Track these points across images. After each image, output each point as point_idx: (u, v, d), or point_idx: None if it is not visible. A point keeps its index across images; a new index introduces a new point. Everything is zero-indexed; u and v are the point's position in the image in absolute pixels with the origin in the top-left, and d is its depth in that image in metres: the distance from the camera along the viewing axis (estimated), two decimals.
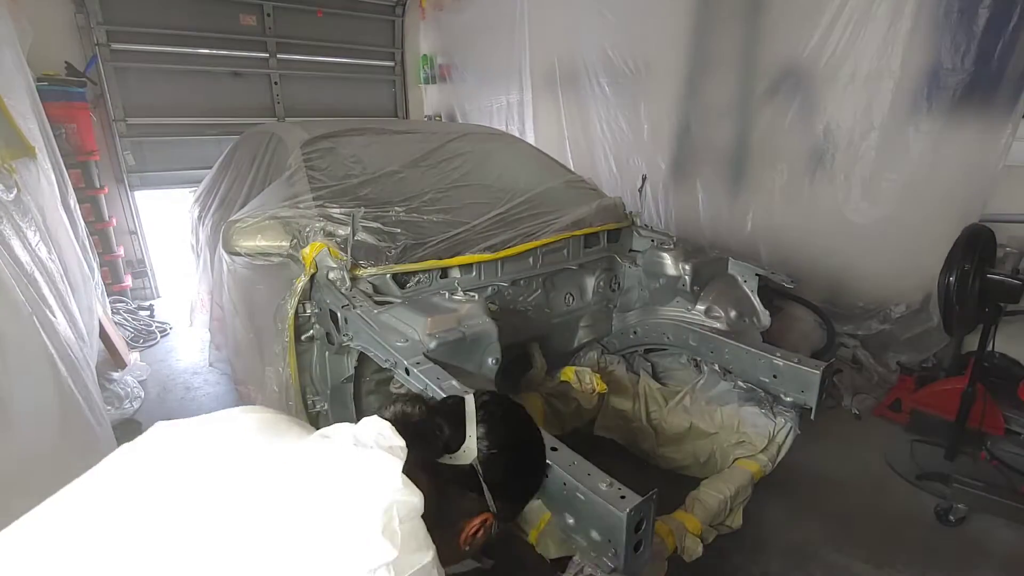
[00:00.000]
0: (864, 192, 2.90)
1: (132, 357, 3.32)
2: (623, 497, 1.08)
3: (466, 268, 1.91)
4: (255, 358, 2.04)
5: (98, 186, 4.08)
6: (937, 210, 2.66)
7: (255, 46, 4.96)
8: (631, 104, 3.87)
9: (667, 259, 2.20)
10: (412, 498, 0.66)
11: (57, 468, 1.43)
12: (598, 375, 2.08)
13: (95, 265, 3.31)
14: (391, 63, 5.86)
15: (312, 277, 1.72)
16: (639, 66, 3.78)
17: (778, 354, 1.88)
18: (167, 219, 4.61)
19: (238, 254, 1.86)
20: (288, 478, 0.68)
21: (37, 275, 1.89)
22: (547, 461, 1.06)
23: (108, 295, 3.74)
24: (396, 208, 1.97)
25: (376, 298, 1.69)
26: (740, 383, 2.03)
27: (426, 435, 0.77)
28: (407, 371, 1.38)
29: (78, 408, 1.61)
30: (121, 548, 0.60)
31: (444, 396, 0.85)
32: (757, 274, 2.23)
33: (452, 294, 1.72)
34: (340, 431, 0.75)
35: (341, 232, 1.76)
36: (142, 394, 3.01)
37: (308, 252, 1.73)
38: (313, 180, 2.05)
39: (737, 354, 1.99)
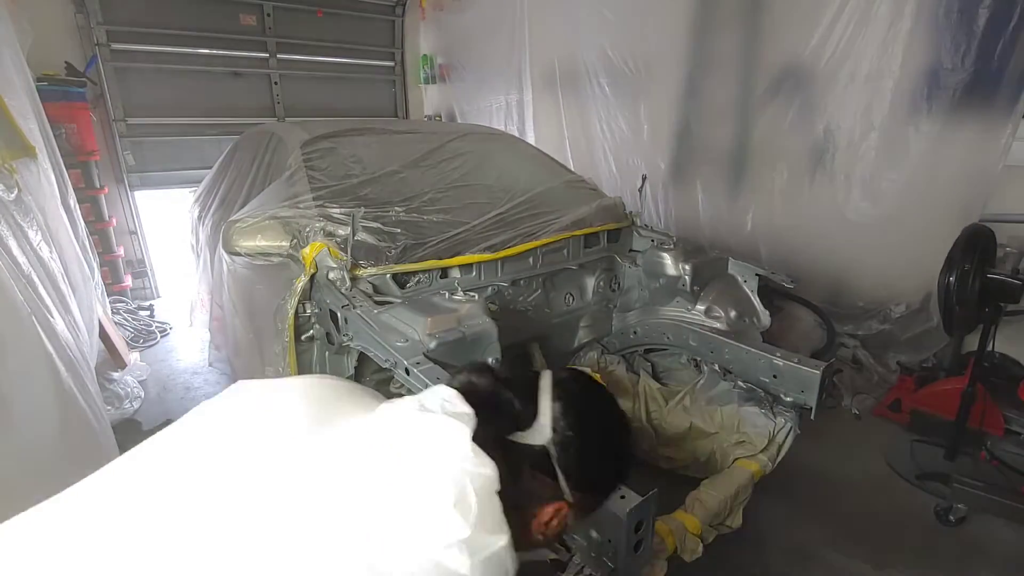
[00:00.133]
0: (864, 192, 2.90)
1: (132, 357, 3.32)
2: (623, 497, 1.08)
3: (466, 268, 1.91)
4: (255, 358, 2.04)
5: (98, 186, 4.07)
6: (937, 210, 2.66)
7: (255, 46, 4.96)
8: (631, 104, 3.87)
9: (667, 259, 2.20)
10: (485, 469, 0.59)
11: (57, 468, 1.44)
12: (598, 375, 2.08)
13: (95, 265, 3.31)
14: (391, 63, 5.86)
15: (312, 277, 1.73)
16: (639, 66, 3.77)
17: (778, 354, 1.88)
18: (167, 219, 4.61)
19: (238, 254, 1.87)
20: (355, 447, 0.64)
21: (37, 275, 1.89)
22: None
23: (108, 295, 3.74)
24: (396, 208, 1.97)
25: (376, 298, 1.69)
26: (740, 383, 2.03)
27: (495, 407, 0.69)
28: (407, 371, 1.38)
29: (78, 408, 1.61)
30: (183, 513, 0.58)
31: (512, 373, 0.76)
32: (757, 274, 2.23)
33: (452, 294, 1.72)
34: (406, 399, 0.69)
35: (341, 232, 1.76)
36: (142, 394, 3.01)
37: (308, 252, 1.73)
38: (313, 180, 2.06)
39: (737, 354, 1.99)
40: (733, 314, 2.13)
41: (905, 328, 2.90)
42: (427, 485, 0.58)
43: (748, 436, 1.86)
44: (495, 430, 0.66)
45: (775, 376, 1.88)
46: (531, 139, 4.56)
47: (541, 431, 0.68)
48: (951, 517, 2.01)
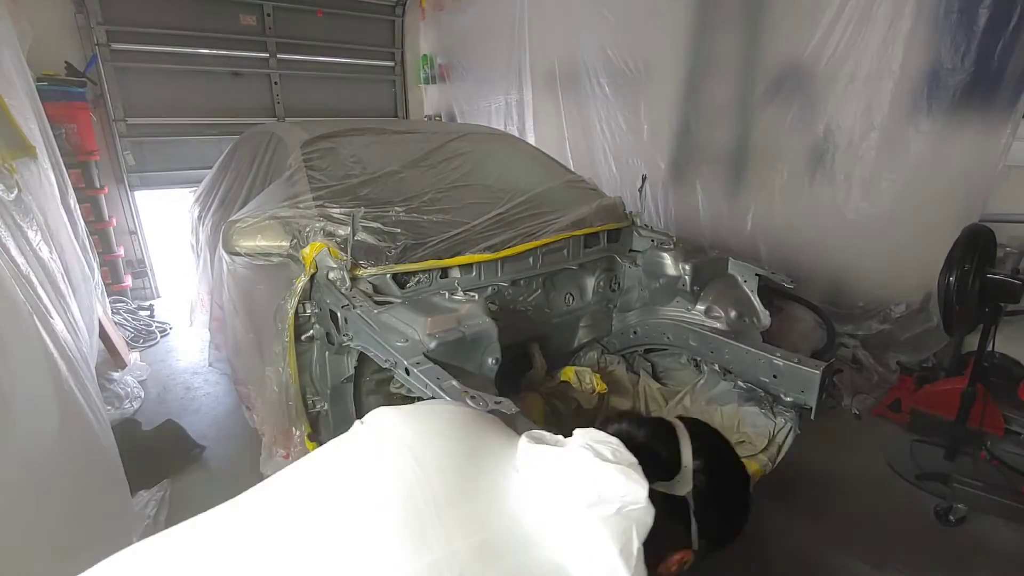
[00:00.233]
0: (864, 192, 2.90)
1: (132, 357, 3.32)
2: None
3: (466, 268, 1.91)
4: (255, 358, 2.04)
5: (98, 186, 4.08)
6: (937, 210, 2.66)
7: (255, 46, 4.96)
8: (631, 104, 3.87)
9: (667, 259, 2.20)
10: (649, 519, 0.62)
11: (57, 468, 1.44)
12: (598, 375, 2.08)
13: (95, 265, 3.31)
14: (391, 63, 5.86)
15: (312, 277, 1.72)
16: (639, 66, 3.78)
17: (778, 354, 1.88)
18: (167, 219, 4.61)
19: (238, 254, 1.86)
20: (521, 484, 0.66)
21: (37, 275, 1.89)
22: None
23: (108, 295, 3.75)
24: (396, 208, 1.97)
25: (376, 298, 1.69)
26: (740, 383, 2.03)
27: (645, 459, 0.70)
28: (407, 371, 1.38)
29: (78, 408, 1.61)
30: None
31: (650, 419, 0.79)
32: (757, 274, 2.23)
33: (452, 294, 1.72)
34: (557, 439, 0.72)
35: (341, 232, 1.76)
36: (142, 394, 3.02)
37: (308, 252, 1.73)
38: (313, 180, 2.05)
39: (737, 354, 1.99)
40: (733, 314, 2.13)
41: (905, 328, 2.90)
42: (597, 531, 0.61)
43: (748, 436, 1.86)
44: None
45: (775, 376, 1.88)
46: (531, 139, 4.56)
47: (684, 482, 0.71)
48: (951, 517, 2.01)
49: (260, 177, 2.45)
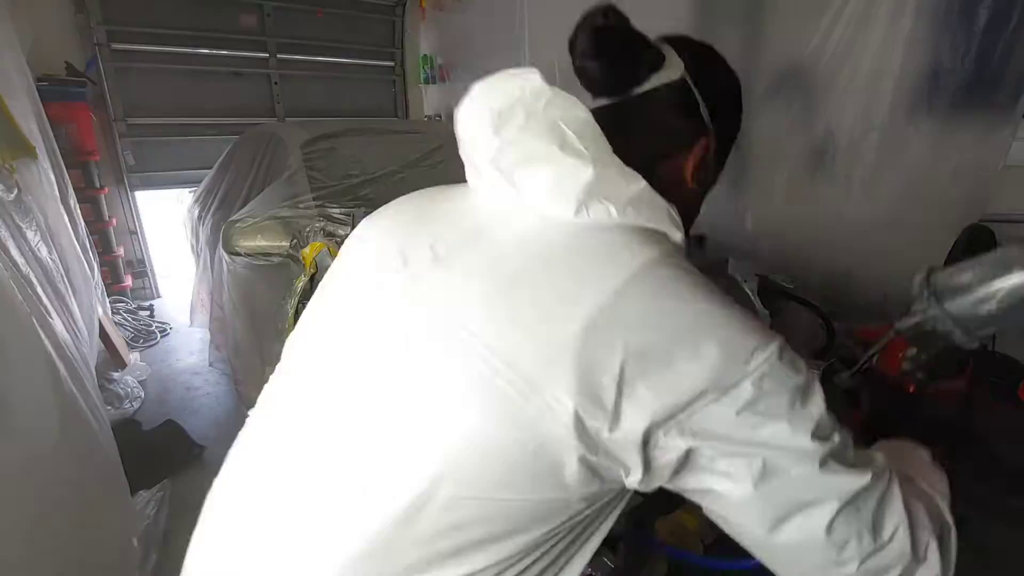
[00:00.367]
0: (864, 192, 2.90)
1: (132, 357, 3.32)
2: None
3: None
4: (255, 358, 2.04)
5: (98, 186, 4.08)
6: (937, 210, 2.66)
7: (255, 46, 4.96)
8: None
9: None
10: (577, 110, 0.67)
11: (56, 468, 1.44)
12: None
13: (95, 265, 3.31)
14: (391, 63, 5.86)
15: (312, 277, 1.73)
16: None
17: None
18: (167, 219, 4.61)
19: (238, 254, 1.87)
20: None
21: (36, 275, 1.89)
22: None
23: (108, 295, 3.75)
24: None
25: None
26: None
27: (630, 52, 0.72)
28: None
29: (78, 408, 1.61)
30: None
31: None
32: (757, 274, 2.23)
33: None
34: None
35: (341, 232, 1.77)
36: (142, 394, 3.02)
37: (308, 252, 1.73)
38: (313, 180, 2.06)
39: None
40: None
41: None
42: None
43: None
44: (633, 74, 0.70)
45: None
46: None
47: (673, 65, 0.72)
48: None
49: (260, 177, 2.46)
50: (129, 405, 2.86)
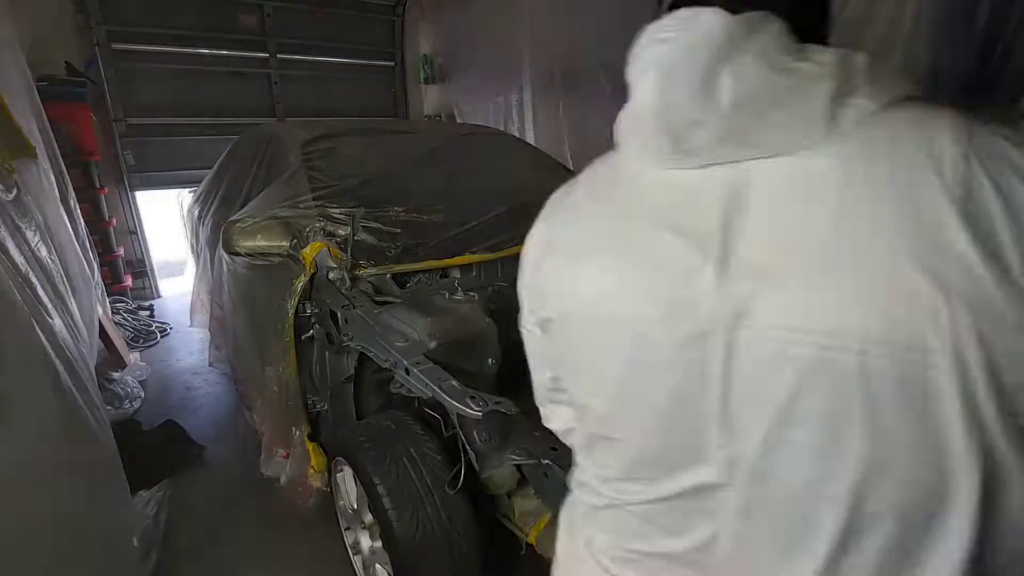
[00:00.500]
0: None
1: (132, 357, 3.32)
2: None
3: (466, 268, 1.91)
4: (255, 358, 2.04)
5: (98, 186, 4.08)
6: None
7: (255, 46, 4.96)
8: None
9: None
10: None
11: (56, 468, 1.44)
12: None
13: (95, 265, 3.31)
14: (391, 63, 5.87)
15: (312, 277, 1.73)
16: None
17: None
18: (167, 219, 4.62)
19: (238, 254, 1.86)
20: None
21: (36, 275, 1.89)
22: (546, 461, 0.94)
23: (108, 295, 3.75)
24: (396, 208, 1.97)
25: (376, 298, 1.69)
26: None
27: None
28: (407, 371, 1.38)
29: (77, 408, 1.61)
30: None
31: None
32: None
33: (452, 294, 1.72)
34: None
35: (341, 232, 1.77)
36: (142, 394, 3.02)
37: (308, 252, 1.73)
38: (313, 180, 2.05)
39: None
40: None
41: None
42: None
43: None
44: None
45: None
46: (531, 139, 4.56)
47: None
48: None
49: (260, 177, 2.45)
50: (129, 405, 2.86)
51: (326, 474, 1.78)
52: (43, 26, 3.52)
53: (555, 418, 0.76)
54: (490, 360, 1.57)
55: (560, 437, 0.78)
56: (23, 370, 1.41)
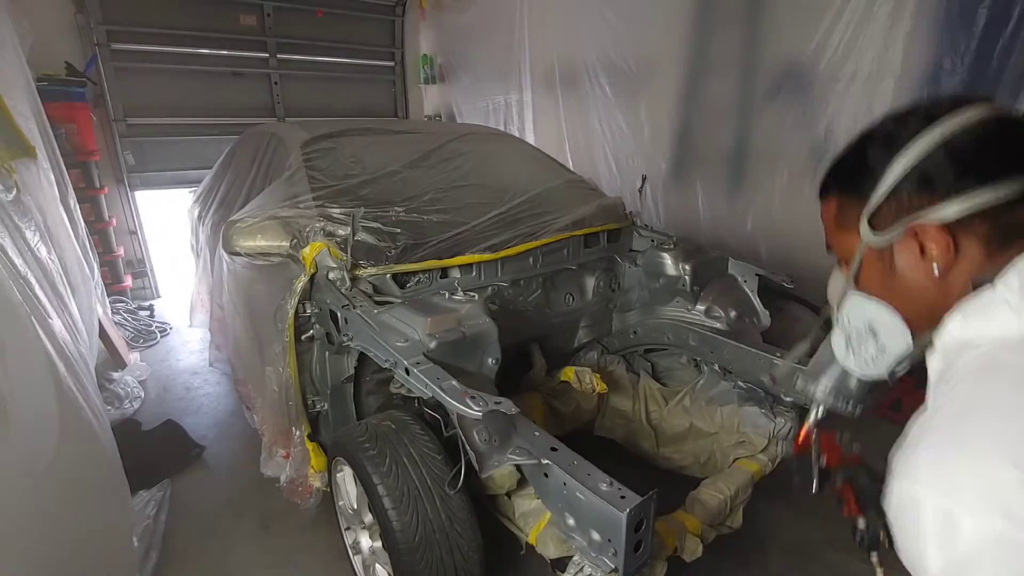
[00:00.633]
0: None
1: (132, 357, 3.32)
2: (623, 497, 1.08)
3: (466, 268, 1.91)
4: (255, 358, 2.04)
5: (98, 186, 4.08)
6: None
7: (255, 46, 4.96)
8: (631, 104, 3.86)
9: (667, 259, 2.20)
10: None
11: (56, 468, 1.44)
12: (598, 375, 2.08)
13: (95, 265, 3.31)
14: (391, 63, 5.86)
15: (312, 277, 1.73)
16: (640, 65, 3.77)
17: (778, 354, 1.88)
18: (167, 219, 4.62)
19: (238, 254, 1.86)
20: None
21: (36, 275, 1.89)
22: (546, 461, 0.94)
23: (108, 295, 3.75)
24: (396, 208, 1.97)
25: (376, 298, 1.69)
26: (740, 383, 2.03)
27: None
28: (407, 371, 1.38)
29: (77, 408, 1.61)
30: None
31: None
32: (757, 274, 2.23)
33: (452, 294, 1.72)
34: None
35: (341, 232, 1.76)
36: (142, 394, 3.02)
37: (308, 252, 1.73)
38: (313, 180, 2.05)
39: (737, 354, 1.99)
40: (733, 314, 2.13)
41: None
42: None
43: (748, 436, 1.86)
44: None
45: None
46: (531, 139, 4.56)
47: None
48: None
49: (260, 177, 2.45)
50: (129, 405, 2.86)
51: (326, 474, 1.78)
52: (43, 26, 3.52)
53: None
54: (490, 360, 1.57)
55: None
56: (24, 370, 1.41)
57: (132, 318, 4.03)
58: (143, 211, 4.64)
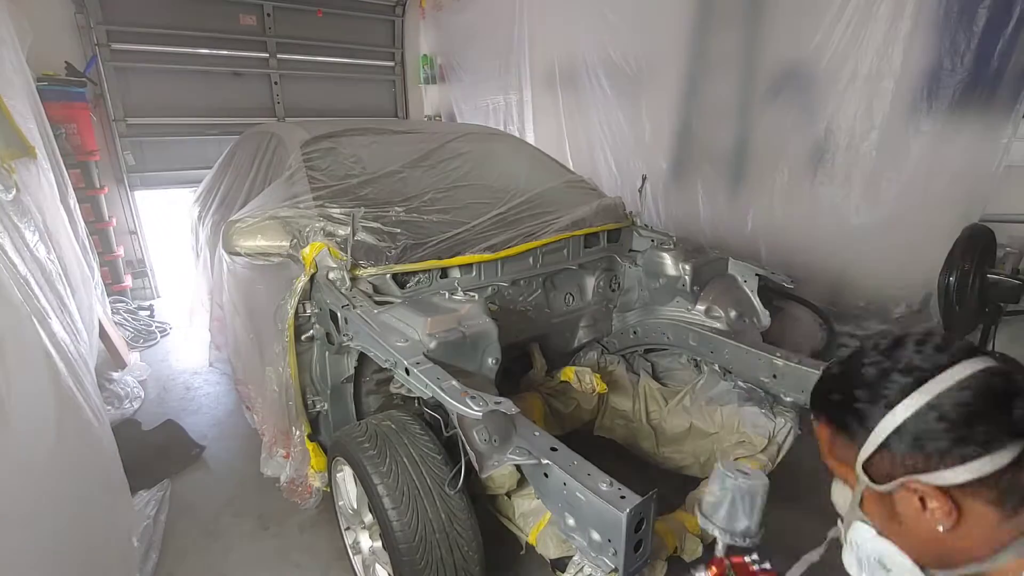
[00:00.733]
0: (864, 192, 2.90)
1: (132, 357, 3.32)
2: (623, 497, 1.08)
3: (466, 268, 1.91)
4: (255, 358, 2.04)
5: (98, 186, 4.08)
6: (937, 210, 2.66)
7: (255, 46, 4.96)
8: (632, 104, 3.86)
9: (667, 259, 2.20)
10: None
11: (56, 468, 1.44)
12: (598, 375, 2.08)
13: (95, 265, 3.31)
14: (391, 63, 5.86)
15: (312, 277, 1.72)
16: (640, 65, 3.77)
17: (778, 354, 1.88)
18: (167, 219, 4.62)
19: (238, 254, 1.86)
20: None
21: (35, 276, 1.89)
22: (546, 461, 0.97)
23: (108, 295, 3.75)
24: (396, 208, 1.97)
25: (376, 298, 1.69)
26: (740, 383, 2.03)
27: None
28: (407, 371, 1.38)
29: (77, 408, 1.61)
30: None
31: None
32: (757, 274, 2.23)
33: (452, 294, 1.72)
34: None
35: (341, 232, 1.76)
36: (142, 394, 3.02)
37: (308, 252, 1.73)
38: (313, 180, 2.05)
39: (737, 354, 1.99)
40: (733, 314, 2.13)
41: (905, 328, 2.90)
42: None
43: (748, 436, 1.86)
44: None
45: (775, 376, 1.88)
46: (531, 139, 4.56)
47: None
48: None
49: (260, 177, 2.45)
50: (129, 405, 2.86)
51: (326, 474, 1.78)
52: (43, 26, 3.52)
53: None
54: (490, 360, 1.57)
55: None
56: (23, 370, 1.41)
57: (132, 318, 4.03)
58: (143, 211, 4.64)
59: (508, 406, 1.23)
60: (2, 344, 1.33)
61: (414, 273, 1.82)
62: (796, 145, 3.13)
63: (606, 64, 3.92)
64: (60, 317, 1.96)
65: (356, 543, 1.73)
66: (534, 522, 1.43)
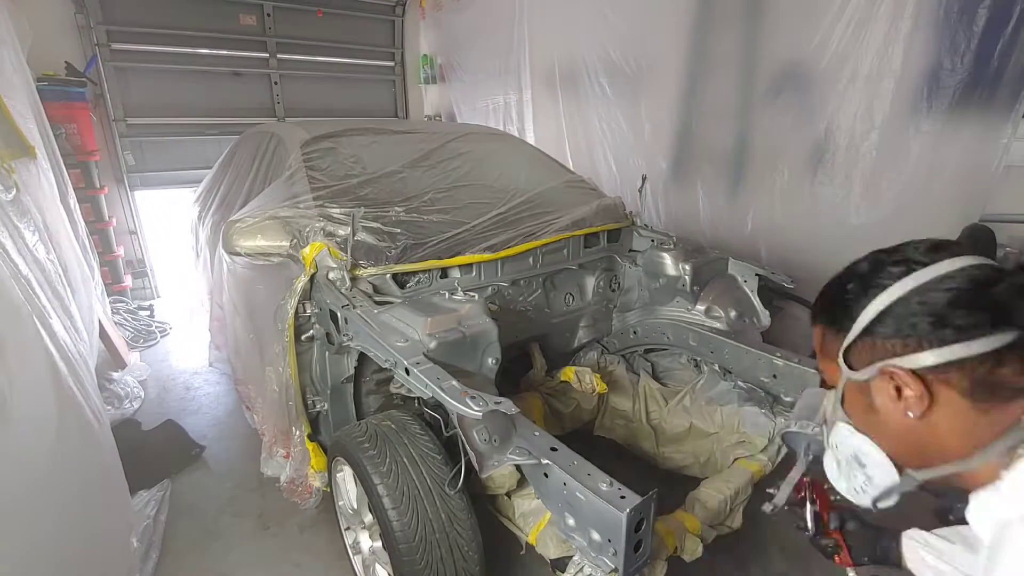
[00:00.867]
0: (865, 192, 2.90)
1: (132, 357, 3.32)
2: (623, 497, 1.08)
3: (466, 268, 1.91)
4: (255, 358, 2.04)
5: (98, 186, 4.08)
6: (937, 210, 2.66)
7: (255, 46, 4.96)
8: (631, 103, 3.86)
9: (667, 259, 2.20)
10: None
11: (56, 468, 1.44)
12: (598, 375, 2.08)
13: (95, 265, 3.31)
14: (391, 63, 5.86)
15: (312, 277, 1.73)
16: (640, 65, 3.77)
17: (778, 354, 1.88)
18: (167, 219, 4.62)
19: (238, 254, 1.86)
20: None
21: (36, 275, 1.89)
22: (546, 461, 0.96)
23: (108, 295, 3.75)
24: (396, 208, 1.97)
25: (376, 298, 1.69)
26: (740, 383, 2.03)
27: None
28: (407, 371, 1.38)
29: (77, 408, 1.61)
30: None
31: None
32: (757, 274, 2.23)
33: (452, 294, 1.72)
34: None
35: (341, 232, 1.76)
36: (142, 394, 3.02)
37: (308, 252, 1.73)
38: (313, 180, 2.05)
39: (737, 354, 1.99)
40: (733, 314, 2.13)
41: None
42: None
43: (748, 436, 1.86)
44: None
45: (775, 376, 1.88)
46: (531, 139, 4.56)
47: None
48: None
49: (260, 177, 2.45)
50: (129, 405, 2.86)
51: (326, 474, 1.78)
52: (43, 26, 3.53)
53: None
54: (490, 360, 1.57)
55: None
56: (23, 371, 1.41)
57: (132, 318, 4.03)
58: (143, 211, 4.64)
59: (508, 406, 1.23)
60: (3, 344, 1.33)
61: (414, 273, 1.82)
62: (796, 145, 3.13)
63: (606, 64, 3.92)
64: (61, 317, 1.96)
65: (356, 543, 1.73)
66: (534, 522, 1.43)
